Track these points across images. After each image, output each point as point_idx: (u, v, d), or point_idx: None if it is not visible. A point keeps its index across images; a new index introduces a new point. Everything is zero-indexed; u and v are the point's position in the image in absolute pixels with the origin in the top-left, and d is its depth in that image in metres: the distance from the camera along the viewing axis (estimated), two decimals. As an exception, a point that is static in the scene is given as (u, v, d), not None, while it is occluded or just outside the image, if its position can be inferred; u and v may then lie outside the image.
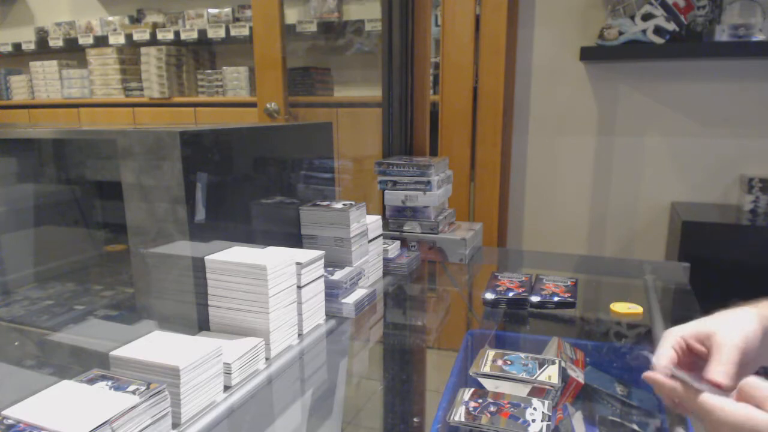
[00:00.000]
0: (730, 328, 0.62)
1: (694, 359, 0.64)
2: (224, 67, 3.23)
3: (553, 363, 0.81)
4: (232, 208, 0.99)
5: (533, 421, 0.68)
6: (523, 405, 0.71)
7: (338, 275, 1.09)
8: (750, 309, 0.65)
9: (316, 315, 1.02)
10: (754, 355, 0.63)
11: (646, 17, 2.04)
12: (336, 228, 1.16)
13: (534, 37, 2.37)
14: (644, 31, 2.04)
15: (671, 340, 0.64)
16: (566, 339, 0.93)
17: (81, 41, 3.56)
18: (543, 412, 0.70)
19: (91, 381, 0.67)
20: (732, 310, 0.66)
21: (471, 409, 0.71)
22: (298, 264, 0.95)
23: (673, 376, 0.60)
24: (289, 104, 2.66)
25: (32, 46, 3.77)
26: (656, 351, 0.64)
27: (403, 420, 0.87)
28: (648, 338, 1.02)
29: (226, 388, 0.80)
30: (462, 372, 0.88)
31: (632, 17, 2.07)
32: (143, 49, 3.29)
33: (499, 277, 1.24)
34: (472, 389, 0.75)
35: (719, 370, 0.59)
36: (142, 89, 3.37)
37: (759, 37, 1.95)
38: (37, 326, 1.02)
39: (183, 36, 3.25)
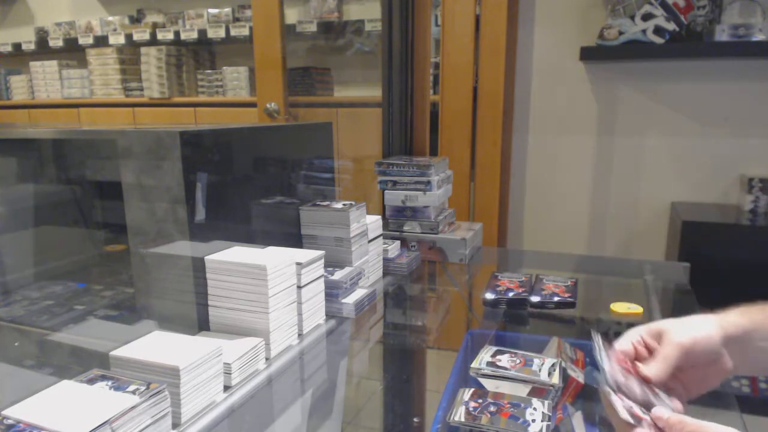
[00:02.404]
0: (682, 328, 0.65)
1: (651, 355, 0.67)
2: (224, 67, 3.23)
3: (553, 363, 0.81)
4: (232, 208, 0.99)
5: (533, 421, 0.68)
6: (523, 405, 0.71)
7: (338, 275, 1.09)
8: (712, 316, 0.67)
9: (316, 315, 1.02)
10: (709, 360, 0.64)
11: (646, 17, 2.04)
12: (336, 228, 1.16)
13: (534, 37, 2.37)
14: (644, 31, 2.04)
15: (632, 335, 0.67)
16: (566, 339, 0.93)
17: (81, 41, 3.56)
18: (543, 412, 0.70)
19: (91, 381, 0.67)
20: (695, 316, 0.67)
21: (471, 409, 0.70)
22: (298, 264, 0.95)
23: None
24: (289, 104, 2.66)
25: (32, 46, 3.77)
26: (618, 342, 0.67)
27: (403, 420, 0.87)
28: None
29: (226, 388, 0.80)
30: (462, 372, 0.88)
31: (632, 17, 2.07)
32: (143, 49, 3.29)
33: (499, 277, 1.24)
34: (472, 389, 0.75)
35: (652, 365, 0.62)
36: (142, 89, 3.37)
37: (759, 37, 1.95)
38: (37, 326, 1.02)
39: (183, 36, 3.25)
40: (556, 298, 1.12)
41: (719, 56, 2.10)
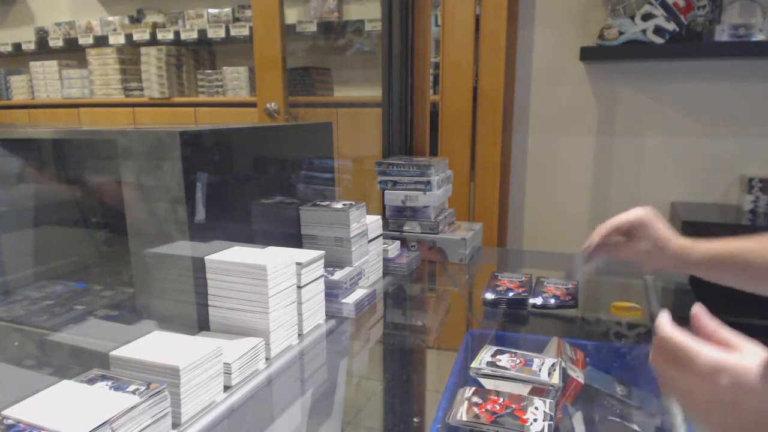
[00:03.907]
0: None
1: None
2: (224, 67, 3.23)
3: (553, 363, 0.81)
4: (232, 208, 0.99)
5: (534, 421, 0.68)
6: (523, 405, 0.71)
7: (338, 275, 1.09)
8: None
9: (316, 315, 1.02)
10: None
11: (646, 17, 2.04)
12: (336, 228, 1.16)
13: (534, 37, 2.37)
14: (644, 31, 2.04)
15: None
16: (566, 339, 0.93)
17: (81, 41, 3.55)
18: (544, 412, 0.70)
19: (91, 381, 0.67)
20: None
21: (471, 408, 0.70)
22: (298, 264, 0.95)
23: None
24: (289, 104, 2.66)
25: (32, 46, 3.77)
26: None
27: (403, 420, 0.87)
28: (648, 338, 1.02)
29: (226, 388, 0.80)
30: (462, 372, 0.88)
31: (632, 17, 2.07)
32: (143, 49, 3.29)
33: (499, 277, 1.24)
34: (473, 389, 0.75)
35: None
36: (142, 89, 3.37)
37: (759, 37, 1.95)
38: (37, 326, 1.02)
39: (183, 36, 3.25)
40: (556, 301, 1.12)
41: (719, 56, 2.10)
